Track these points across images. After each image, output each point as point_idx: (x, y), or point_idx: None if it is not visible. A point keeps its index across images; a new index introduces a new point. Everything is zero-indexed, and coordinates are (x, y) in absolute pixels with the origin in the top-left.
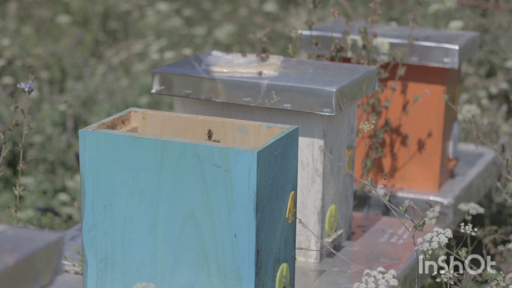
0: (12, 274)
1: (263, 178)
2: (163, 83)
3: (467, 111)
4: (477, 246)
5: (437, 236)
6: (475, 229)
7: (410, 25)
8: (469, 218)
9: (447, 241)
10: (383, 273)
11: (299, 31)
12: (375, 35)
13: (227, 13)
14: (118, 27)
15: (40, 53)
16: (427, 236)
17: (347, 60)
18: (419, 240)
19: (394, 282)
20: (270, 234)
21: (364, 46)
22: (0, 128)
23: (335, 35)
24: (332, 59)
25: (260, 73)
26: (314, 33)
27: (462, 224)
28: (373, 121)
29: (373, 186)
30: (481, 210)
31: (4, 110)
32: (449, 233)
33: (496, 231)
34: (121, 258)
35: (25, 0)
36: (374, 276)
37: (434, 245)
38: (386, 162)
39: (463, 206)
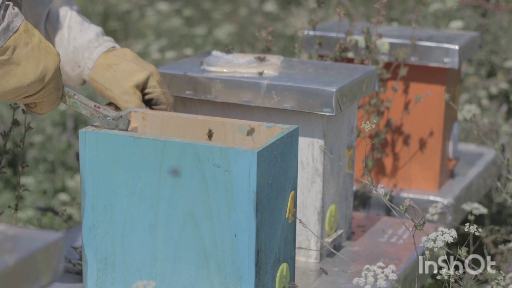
0: (12, 274)
1: (263, 178)
2: (163, 83)
3: (467, 111)
4: (478, 246)
5: (442, 235)
6: (479, 229)
7: (412, 26)
8: (472, 218)
9: (452, 241)
10: (382, 268)
11: (305, 31)
12: (380, 36)
13: (227, 13)
14: (118, 27)
15: None
16: (432, 235)
17: (350, 60)
18: (423, 238)
19: (393, 276)
20: (270, 234)
21: (367, 47)
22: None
23: (338, 35)
24: (335, 59)
25: (260, 73)
26: (316, 33)
27: (466, 224)
28: (374, 121)
29: (373, 186)
30: (484, 210)
31: (4, 110)
32: (454, 233)
33: (498, 230)
34: (121, 258)
35: None
36: (374, 271)
37: (439, 243)
38: (386, 162)
39: (466, 206)
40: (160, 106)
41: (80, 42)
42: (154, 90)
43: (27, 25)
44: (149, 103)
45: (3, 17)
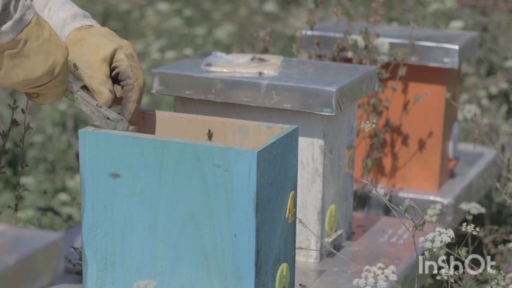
0: (12, 274)
1: (263, 178)
2: (163, 83)
3: (467, 111)
4: (477, 246)
5: (439, 235)
6: (477, 229)
7: (411, 25)
8: (470, 218)
9: (449, 241)
10: (382, 269)
11: (304, 31)
12: (378, 35)
13: (227, 13)
14: (118, 27)
15: None
16: (429, 236)
17: (348, 60)
18: (421, 239)
19: (394, 277)
20: (270, 234)
21: (365, 46)
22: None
23: (336, 35)
24: (333, 59)
25: (260, 73)
26: (315, 33)
27: (464, 224)
28: (374, 121)
29: (373, 186)
30: (482, 210)
31: (4, 110)
32: (451, 233)
33: (497, 230)
34: (121, 258)
35: None
36: (374, 272)
37: (437, 244)
38: (386, 162)
39: (464, 206)
40: (127, 81)
41: (54, 21)
42: (121, 63)
43: (39, 17)
44: (117, 79)
45: (16, 8)
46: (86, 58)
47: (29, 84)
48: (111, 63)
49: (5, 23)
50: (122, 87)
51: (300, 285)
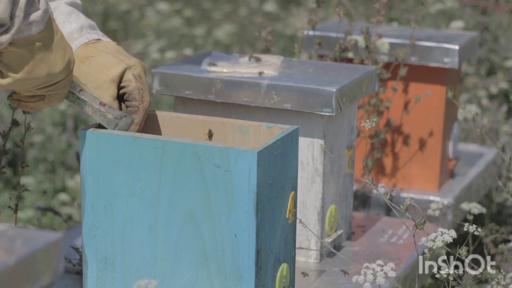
0: (12, 274)
1: (263, 178)
2: (163, 83)
3: (467, 111)
4: (478, 246)
5: (441, 235)
6: (478, 229)
7: (412, 26)
8: (471, 217)
9: (451, 241)
10: (381, 266)
11: (305, 31)
12: (380, 36)
13: (227, 13)
14: (118, 27)
15: None
16: (431, 236)
17: (349, 60)
18: (423, 239)
19: (393, 274)
20: (270, 234)
21: (366, 47)
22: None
23: (338, 35)
24: (335, 59)
25: (260, 73)
26: (316, 33)
27: (466, 223)
28: (374, 119)
29: (373, 185)
30: (483, 210)
31: (4, 110)
32: (453, 233)
33: (497, 230)
34: (121, 258)
35: None
36: (373, 269)
37: (438, 243)
38: (386, 162)
39: (465, 206)
40: (132, 103)
41: None
42: (129, 84)
43: (52, 14)
44: (123, 98)
45: None
46: (95, 77)
47: (49, 80)
48: (119, 83)
49: (31, 12)
50: (127, 107)
51: (302, 273)
